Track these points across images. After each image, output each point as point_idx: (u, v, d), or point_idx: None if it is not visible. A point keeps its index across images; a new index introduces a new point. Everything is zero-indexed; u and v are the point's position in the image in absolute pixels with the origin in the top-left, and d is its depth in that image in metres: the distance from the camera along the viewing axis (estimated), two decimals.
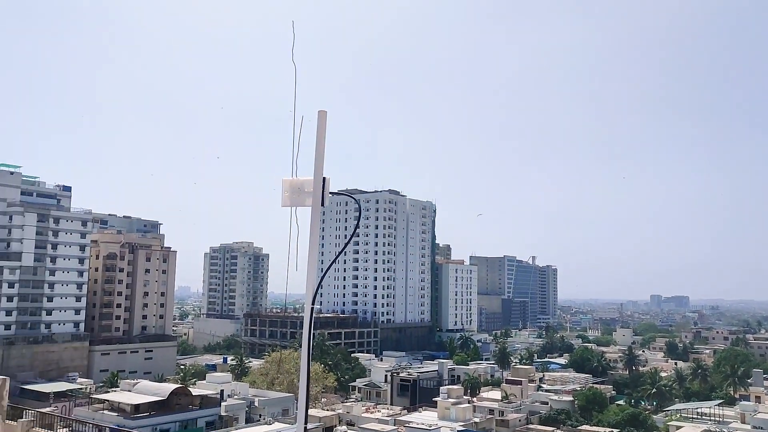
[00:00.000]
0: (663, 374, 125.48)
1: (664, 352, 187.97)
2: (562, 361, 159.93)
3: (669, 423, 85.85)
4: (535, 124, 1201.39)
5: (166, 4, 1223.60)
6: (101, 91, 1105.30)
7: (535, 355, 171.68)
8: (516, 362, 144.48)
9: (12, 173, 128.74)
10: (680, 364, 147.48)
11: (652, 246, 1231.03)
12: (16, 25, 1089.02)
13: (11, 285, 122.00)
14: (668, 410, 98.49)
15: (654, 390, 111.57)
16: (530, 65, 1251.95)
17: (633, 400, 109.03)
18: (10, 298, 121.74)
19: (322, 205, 4.73)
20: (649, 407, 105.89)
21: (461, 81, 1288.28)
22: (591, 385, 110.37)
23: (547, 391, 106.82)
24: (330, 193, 4.71)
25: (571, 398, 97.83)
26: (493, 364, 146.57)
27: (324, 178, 4.66)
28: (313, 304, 4.35)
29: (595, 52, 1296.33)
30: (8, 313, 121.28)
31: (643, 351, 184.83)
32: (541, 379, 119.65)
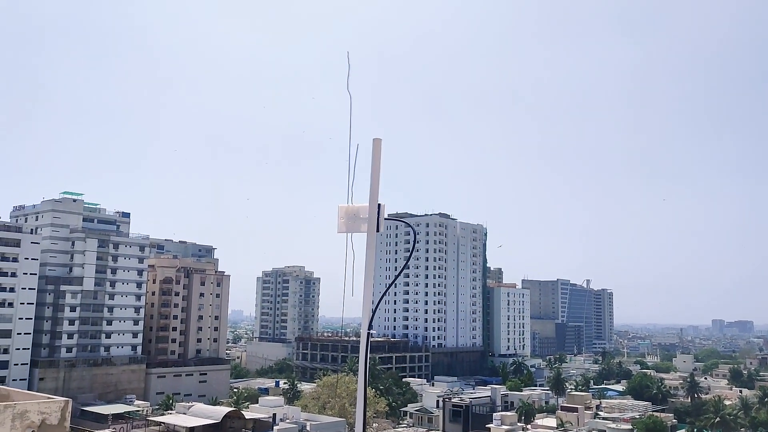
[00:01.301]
0: (727, 402, 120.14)
1: (727, 380, 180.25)
2: (619, 387, 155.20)
3: None
4: (583, 144, 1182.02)
5: (222, 36, 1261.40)
6: (161, 120, 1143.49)
7: (591, 381, 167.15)
8: (571, 389, 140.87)
9: (75, 201, 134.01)
10: (745, 391, 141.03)
11: (712, 267, 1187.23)
12: (80, 52, 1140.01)
13: (73, 309, 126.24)
14: None
15: (718, 419, 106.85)
16: (574, 86, 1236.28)
17: (696, 430, 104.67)
18: (72, 322, 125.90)
19: (378, 231, 4.80)
20: None
21: (507, 101, 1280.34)
22: (651, 413, 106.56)
23: (604, 418, 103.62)
24: (385, 219, 4.78)
25: (630, 426, 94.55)
26: (547, 390, 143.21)
27: (379, 205, 4.72)
28: (369, 329, 4.39)
29: (638, 69, 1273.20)
30: (70, 336, 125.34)
31: (705, 378, 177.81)
32: (598, 407, 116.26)
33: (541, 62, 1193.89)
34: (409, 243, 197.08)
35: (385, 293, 5.12)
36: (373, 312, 4.75)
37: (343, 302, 4.62)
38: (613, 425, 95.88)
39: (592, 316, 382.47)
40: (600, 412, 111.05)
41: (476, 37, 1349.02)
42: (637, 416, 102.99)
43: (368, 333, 4.46)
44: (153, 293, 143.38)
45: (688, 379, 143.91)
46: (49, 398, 14.89)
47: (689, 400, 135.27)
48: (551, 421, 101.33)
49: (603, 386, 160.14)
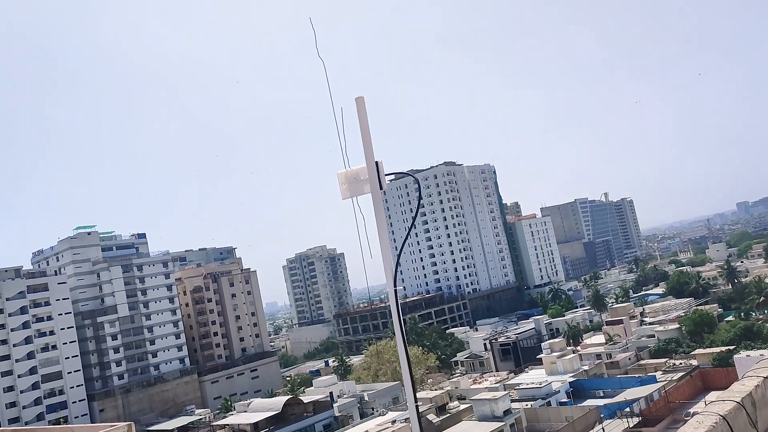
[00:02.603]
0: None
1: (764, 258, 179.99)
2: (659, 291, 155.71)
3: None
4: (572, 53, 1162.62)
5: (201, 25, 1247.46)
6: (157, 134, 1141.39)
7: (631, 290, 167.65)
8: (612, 302, 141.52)
9: (89, 233, 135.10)
10: None
11: (730, 154, 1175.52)
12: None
13: (114, 337, 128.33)
14: None
15: (762, 298, 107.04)
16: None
17: (743, 314, 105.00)
18: (116, 350, 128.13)
19: (381, 188, 4.76)
20: (761, 316, 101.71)
21: (484, 29, 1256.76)
22: (695, 308, 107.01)
23: (650, 324, 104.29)
24: (386, 174, 4.73)
25: (678, 325, 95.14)
26: (589, 309, 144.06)
27: (377, 162, 4.68)
28: (395, 285, 4.40)
29: None
30: (118, 363, 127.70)
31: (742, 261, 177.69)
32: (642, 314, 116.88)
33: None
34: (421, 198, 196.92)
35: (402, 248, 5.11)
36: (396, 268, 4.75)
37: (364, 266, 4.63)
38: (661, 328, 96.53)
39: (617, 227, 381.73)
40: (645, 319, 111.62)
41: None
42: (683, 314, 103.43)
43: (395, 289, 4.47)
44: (187, 304, 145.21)
45: (725, 267, 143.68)
46: (112, 425, 15.21)
47: (730, 286, 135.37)
48: (600, 338, 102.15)
49: (642, 293, 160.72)
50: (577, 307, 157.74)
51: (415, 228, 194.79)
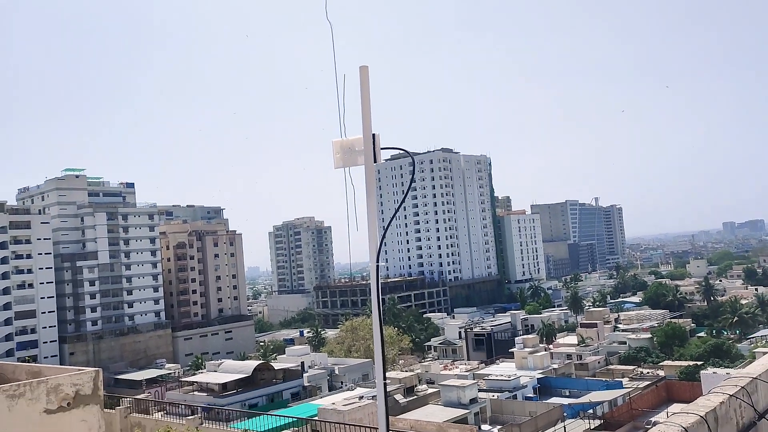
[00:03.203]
0: (743, 302, 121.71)
1: (742, 280, 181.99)
2: (636, 299, 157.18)
3: (755, 350, 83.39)
4: (576, 58, 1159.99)
5: None
6: (145, 82, 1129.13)
7: (608, 296, 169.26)
8: (589, 305, 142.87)
9: (77, 176, 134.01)
10: (761, 289, 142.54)
11: (721, 173, 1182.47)
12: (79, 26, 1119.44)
13: (92, 283, 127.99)
14: (753, 337, 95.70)
15: (736, 318, 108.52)
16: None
17: (714, 331, 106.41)
18: (92, 296, 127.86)
19: (375, 161, 4.70)
20: (732, 336, 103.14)
21: (494, 20, 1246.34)
22: (669, 320, 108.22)
23: (623, 330, 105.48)
24: (381, 149, 4.67)
25: (650, 335, 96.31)
26: (566, 310, 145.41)
27: (374, 135, 4.60)
28: (377, 261, 4.36)
29: None
30: (93, 309, 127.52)
31: (720, 280, 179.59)
32: (616, 320, 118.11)
33: None
34: (414, 181, 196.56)
35: (388, 226, 5.04)
36: (380, 244, 4.71)
37: (349, 238, 4.57)
38: (633, 336, 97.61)
39: (603, 233, 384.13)
40: (619, 325, 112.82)
41: None
42: (656, 325, 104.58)
43: (377, 265, 4.44)
44: (168, 259, 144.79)
45: (703, 284, 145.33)
46: (80, 370, 15.24)
47: (706, 303, 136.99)
48: (572, 339, 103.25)
49: (620, 300, 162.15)
50: (554, 306, 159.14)
51: (404, 209, 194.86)
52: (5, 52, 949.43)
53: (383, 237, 4.82)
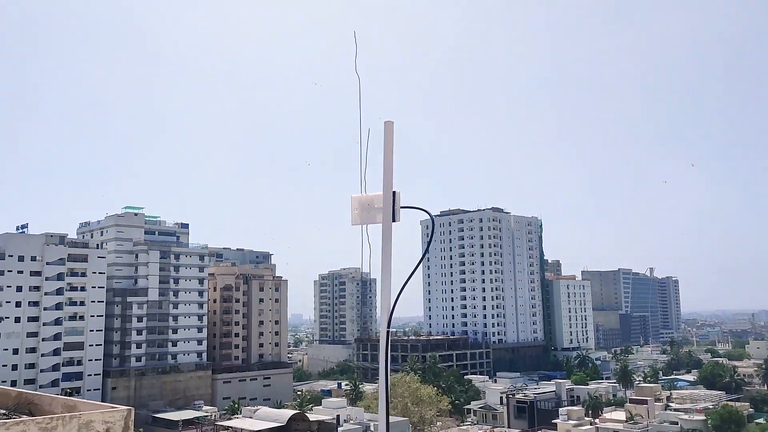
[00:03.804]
0: None
1: None
2: (690, 378, 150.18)
3: None
4: (636, 125, 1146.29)
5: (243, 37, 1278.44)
6: (209, 130, 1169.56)
7: (660, 372, 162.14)
8: (639, 380, 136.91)
9: (136, 214, 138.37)
10: None
11: None
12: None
13: (140, 319, 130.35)
14: None
15: None
16: (638, 63, 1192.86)
17: None
18: (139, 332, 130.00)
19: (394, 220, 4.55)
20: None
21: (542, 84, 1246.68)
22: (725, 402, 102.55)
23: (676, 410, 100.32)
24: (402, 207, 4.53)
25: (704, 417, 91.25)
26: (614, 383, 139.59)
27: (394, 192, 4.47)
28: (389, 326, 4.14)
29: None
30: (138, 345, 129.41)
31: None
32: (668, 398, 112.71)
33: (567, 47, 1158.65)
34: (463, 239, 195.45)
35: (402, 289, 4.85)
36: (393, 307, 4.51)
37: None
38: (686, 416, 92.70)
39: (657, 305, 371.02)
40: (671, 404, 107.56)
41: (516, 14, 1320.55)
42: (711, 406, 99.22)
43: (387, 331, 4.22)
44: (214, 301, 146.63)
45: (764, 366, 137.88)
46: (112, 407, 15.20)
47: (766, 387, 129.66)
48: (620, 415, 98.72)
49: (673, 377, 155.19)
50: (602, 378, 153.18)
51: (451, 266, 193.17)
52: (89, 90, 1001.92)
53: (396, 301, 4.62)
